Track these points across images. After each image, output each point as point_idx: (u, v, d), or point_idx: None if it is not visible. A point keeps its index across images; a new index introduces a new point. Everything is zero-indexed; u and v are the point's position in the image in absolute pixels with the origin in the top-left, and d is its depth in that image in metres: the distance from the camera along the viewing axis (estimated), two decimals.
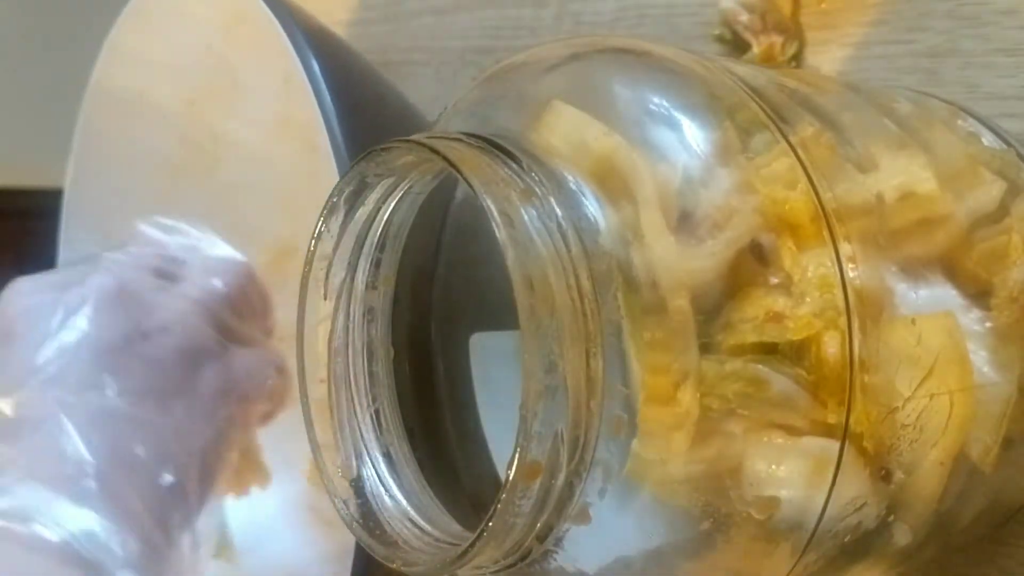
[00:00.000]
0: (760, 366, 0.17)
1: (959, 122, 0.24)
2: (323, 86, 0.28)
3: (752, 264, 0.17)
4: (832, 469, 0.17)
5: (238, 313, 0.34)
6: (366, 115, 0.30)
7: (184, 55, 0.38)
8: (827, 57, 0.31)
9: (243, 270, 0.35)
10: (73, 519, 0.26)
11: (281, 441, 0.36)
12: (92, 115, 0.39)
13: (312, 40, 0.29)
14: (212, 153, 0.40)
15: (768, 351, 0.17)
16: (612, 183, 0.18)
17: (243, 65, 0.37)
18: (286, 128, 0.38)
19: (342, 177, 0.19)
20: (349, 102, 0.28)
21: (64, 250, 0.40)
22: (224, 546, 0.38)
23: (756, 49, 0.32)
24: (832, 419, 0.17)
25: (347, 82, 0.29)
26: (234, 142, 0.39)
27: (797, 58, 0.32)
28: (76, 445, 0.28)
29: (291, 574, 0.37)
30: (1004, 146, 0.24)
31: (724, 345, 0.17)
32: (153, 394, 0.30)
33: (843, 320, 0.17)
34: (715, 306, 0.17)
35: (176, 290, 0.33)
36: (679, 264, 0.17)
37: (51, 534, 0.26)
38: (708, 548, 0.18)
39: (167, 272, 0.34)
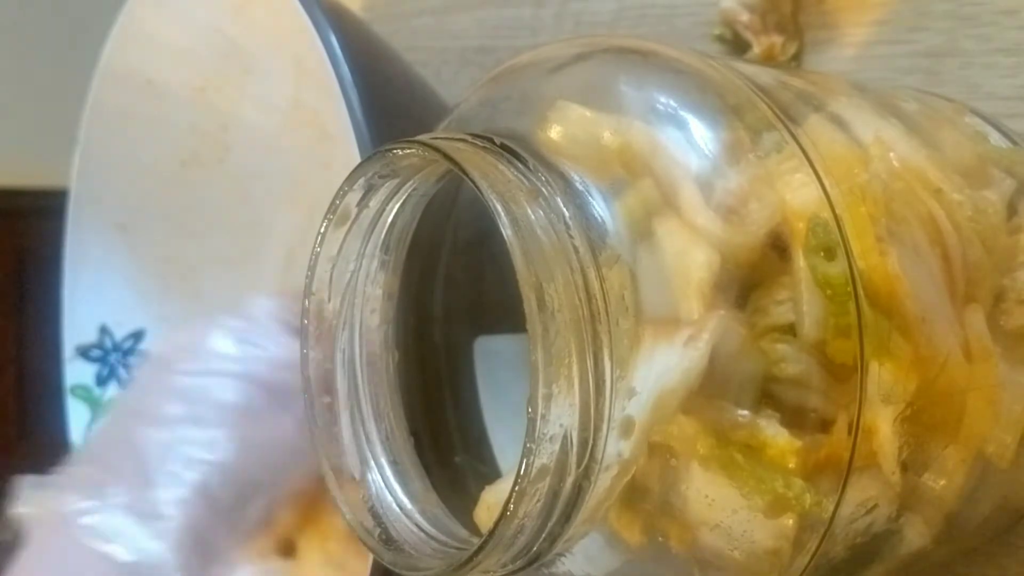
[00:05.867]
0: (785, 345, 0.17)
1: (966, 120, 0.24)
2: (344, 66, 0.27)
3: (773, 258, 0.17)
4: (844, 467, 0.17)
5: None
6: (390, 97, 0.29)
7: (194, 39, 0.37)
8: (827, 57, 0.31)
9: None
10: (145, 549, 0.29)
11: None
12: (101, 100, 0.39)
13: (331, 16, 0.28)
14: (222, 141, 0.39)
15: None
16: (627, 175, 0.18)
17: (254, 48, 0.37)
18: (298, 114, 0.38)
19: (347, 178, 0.19)
20: (372, 82, 0.28)
21: (71, 243, 0.40)
22: None
23: (756, 49, 0.32)
24: (843, 414, 0.17)
25: (369, 62, 0.29)
26: (245, 129, 0.39)
27: (797, 58, 0.32)
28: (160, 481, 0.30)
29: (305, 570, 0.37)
30: (1011, 144, 0.24)
31: (758, 327, 0.17)
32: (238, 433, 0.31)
33: (854, 317, 0.17)
34: (739, 297, 0.17)
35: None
36: (693, 257, 0.17)
37: (125, 555, 0.29)
38: (719, 552, 0.18)
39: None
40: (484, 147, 0.18)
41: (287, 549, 0.35)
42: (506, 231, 0.17)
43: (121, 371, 0.41)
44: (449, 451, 0.22)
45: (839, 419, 0.17)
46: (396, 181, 0.19)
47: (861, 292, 0.17)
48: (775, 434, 0.17)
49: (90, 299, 0.40)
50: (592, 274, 0.17)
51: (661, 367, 0.17)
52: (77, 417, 0.40)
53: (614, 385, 0.17)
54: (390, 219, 0.20)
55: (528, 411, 0.16)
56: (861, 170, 0.19)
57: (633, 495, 0.18)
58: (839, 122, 0.20)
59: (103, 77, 0.39)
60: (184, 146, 0.40)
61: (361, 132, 0.27)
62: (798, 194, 0.17)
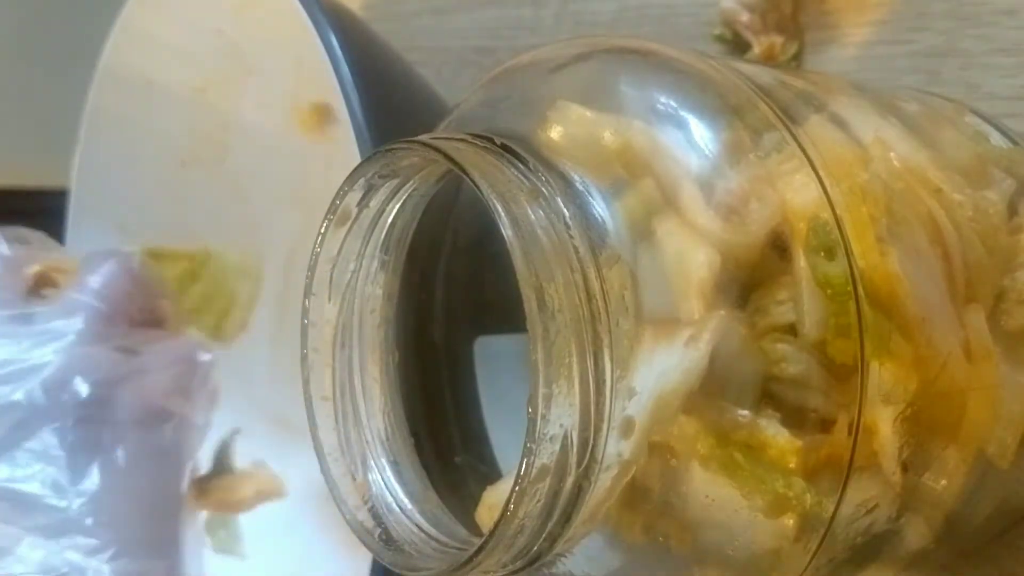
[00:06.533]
0: (785, 345, 0.17)
1: (966, 120, 0.24)
2: (343, 65, 0.27)
3: (773, 258, 0.17)
4: (844, 467, 0.17)
5: (127, 317, 0.30)
6: (390, 97, 0.29)
7: (194, 39, 0.37)
8: (827, 57, 0.32)
9: (114, 269, 0.31)
10: None
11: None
12: (101, 100, 0.39)
13: (330, 16, 0.28)
14: (222, 141, 0.39)
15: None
16: (628, 175, 0.18)
17: (254, 49, 0.37)
18: (298, 114, 0.38)
19: (347, 178, 0.19)
20: (372, 82, 0.28)
21: (71, 242, 0.40)
22: (233, 541, 0.38)
23: (756, 49, 0.32)
24: (843, 414, 0.17)
25: (369, 62, 0.29)
26: (245, 129, 0.39)
27: (797, 58, 0.32)
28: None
29: (303, 567, 0.37)
30: (1012, 144, 0.24)
31: (759, 327, 0.17)
32: (85, 453, 0.27)
33: (854, 316, 0.17)
34: (739, 297, 0.17)
35: (38, 329, 0.29)
36: (693, 257, 0.17)
37: None
38: (719, 552, 0.18)
39: (21, 317, 0.30)
40: (484, 147, 0.18)
41: None
42: (506, 231, 0.17)
43: None
44: (449, 451, 0.22)
45: (839, 419, 0.17)
46: (396, 181, 0.19)
47: (861, 292, 0.17)
48: (775, 434, 0.17)
49: None
50: (592, 274, 0.17)
51: (661, 367, 0.17)
52: None
53: (614, 385, 0.17)
54: (390, 219, 0.20)
55: (528, 411, 0.16)
56: (861, 170, 0.19)
57: (633, 495, 0.18)
58: (839, 122, 0.20)
59: (103, 77, 0.39)
60: (184, 146, 0.40)
61: (361, 132, 0.27)
62: (798, 194, 0.17)
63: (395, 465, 0.20)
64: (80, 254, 0.32)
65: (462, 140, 0.18)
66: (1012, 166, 0.22)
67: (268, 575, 0.38)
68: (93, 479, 0.27)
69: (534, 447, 0.16)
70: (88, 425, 0.27)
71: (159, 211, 0.41)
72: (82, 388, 0.28)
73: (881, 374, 0.17)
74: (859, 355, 0.17)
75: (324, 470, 0.20)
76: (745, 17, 0.32)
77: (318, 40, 0.28)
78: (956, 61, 0.29)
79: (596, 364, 0.17)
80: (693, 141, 0.18)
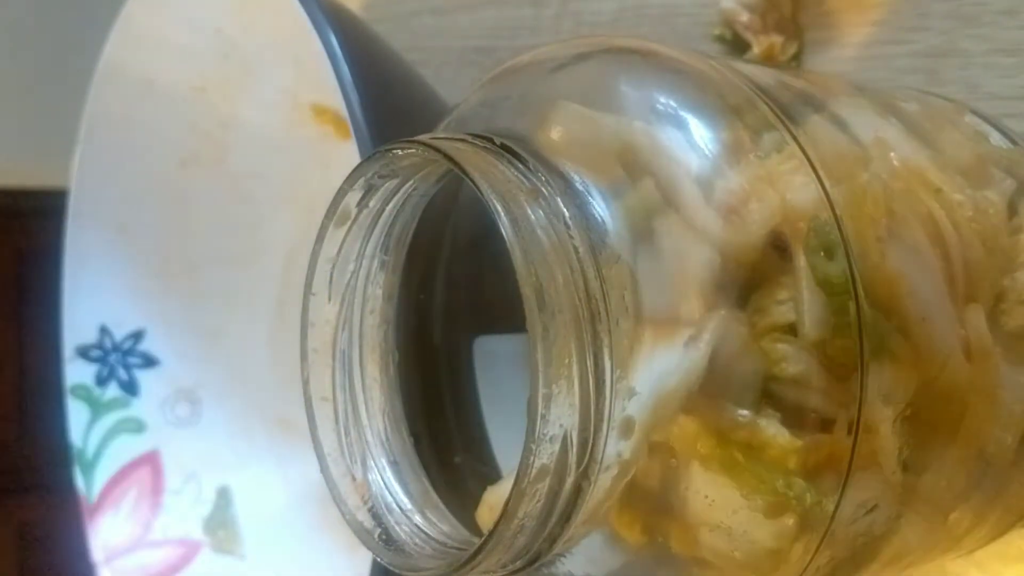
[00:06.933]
0: (785, 345, 0.17)
1: (966, 120, 0.24)
2: (343, 65, 0.27)
3: (773, 258, 0.17)
4: (844, 467, 0.17)
5: None
6: (390, 97, 0.29)
7: (194, 39, 0.37)
8: (827, 57, 0.32)
9: None
10: None
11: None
12: (101, 100, 0.39)
13: (330, 16, 0.28)
14: (222, 141, 0.39)
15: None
16: (628, 175, 0.18)
17: (254, 48, 0.37)
18: (298, 114, 0.38)
19: (347, 178, 0.19)
20: (372, 82, 0.28)
21: (71, 243, 0.40)
22: (232, 540, 0.38)
23: (756, 49, 0.32)
24: (843, 413, 0.17)
25: (369, 62, 0.29)
26: (245, 129, 0.39)
27: (797, 58, 0.32)
28: None
29: (302, 567, 0.37)
30: (1011, 144, 0.24)
31: (758, 327, 0.17)
32: None
33: (854, 316, 0.17)
34: (739, 297, 0.17)
35: None
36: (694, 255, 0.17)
37: None
38: (719, 552, 0.18)
39: None
40: (484, 147, 0.18)
41: None
42: (506, 231, 0.17)
43: (121, 371, 0.41)
44: (449, 451, 0.22)
45: (839, 419, 0.17)
46: (396, 181, 0.19)
47: (861, 292, 0.17)
48: (776, 434, 0.17)
49: (90, 299, 0.40)
50: (592, 274, 0.17)
51: (661, 367, 0.17)
52: (77, 417, 0.40)
53: (614, 385, 0.17)
54: (390, 219, 0.20)
55: (528, 411, 0.16)
56: (861, 170, 0.19)
57: (633, 495, 0.18)
58: (839, 122, 0.20)
59: (103, 77, 0.39)
60: (184, 146, 0.40)
61: (361, 132, 0.27)
62: (798, 194, 0.17)
63: (395, 465, 0.20)
64: None
65: (462, 140, 0.18)
66: (1012, 166, 0.22)
67: (268, 575, 0.38)
68: None
69: (534, 447, 0.16)
70: None
71: (159, 211, 0.41)
72: None
73: (881, 374, 0.17)
74: (859, 355, 0.17)
75: (324, 470, 0.20)
76: (745, 17, 0.32)
77: (318, 40, 0.28)
78: (956, 61, 0.29)
79: (596, 364, 0.17)
80: (693, 141, 0.18)
